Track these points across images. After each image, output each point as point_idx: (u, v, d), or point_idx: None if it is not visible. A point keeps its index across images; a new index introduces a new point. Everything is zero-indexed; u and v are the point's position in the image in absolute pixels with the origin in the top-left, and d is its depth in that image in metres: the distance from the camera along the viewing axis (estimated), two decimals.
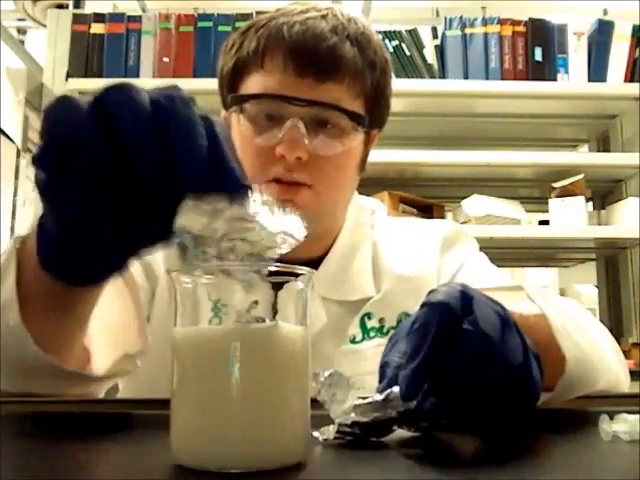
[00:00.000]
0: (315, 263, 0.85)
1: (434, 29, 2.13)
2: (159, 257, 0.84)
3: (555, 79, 2.09)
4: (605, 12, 2.37)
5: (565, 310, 0.63)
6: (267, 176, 0.77)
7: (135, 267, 0.81)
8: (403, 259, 0.89)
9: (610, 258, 2.36)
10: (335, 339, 0.83)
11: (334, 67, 0.76)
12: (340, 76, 0.77)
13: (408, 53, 2.10)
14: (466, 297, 0.47)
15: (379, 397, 0.47)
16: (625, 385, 0.72)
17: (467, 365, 0.45)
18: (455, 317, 0.46)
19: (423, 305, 0.47)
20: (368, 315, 0.86)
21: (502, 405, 0.47)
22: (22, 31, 3.13)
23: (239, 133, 0.80)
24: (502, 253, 2.30)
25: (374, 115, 0.82)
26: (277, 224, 0.40)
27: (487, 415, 0.47)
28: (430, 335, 0.45)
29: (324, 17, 0.77)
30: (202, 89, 2.02)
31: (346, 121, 0.78)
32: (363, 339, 0.85)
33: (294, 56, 0.76)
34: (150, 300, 0.84)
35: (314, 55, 0.76)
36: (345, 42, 0.77)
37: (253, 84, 0.79)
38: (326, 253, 0.87)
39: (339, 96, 0.77)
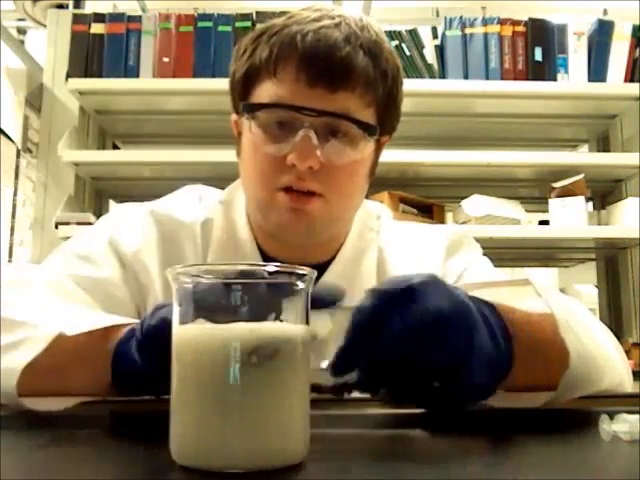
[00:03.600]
0: (321, 268, 0.85)
1: (434, 29, 2.13)
2: (152, 265, 0.84)
3: (555, 79, 2.09)
4: (605, 12, 2.37)
5: (570, 308, 0.63)
6: (278, 184, 0.78)
7: (121, 290, 0.82)
8: (408, 264, 0.89)
9: (610, 258, 2.36)
10: (339, 344, 0.83)
11: (347, 77, 0.76)
12: (352, 86, 0.76)
13: (408, 53, 2.10)
14: (413, 288, 0.50)
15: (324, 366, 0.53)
16: (628, 385, 0.72)
17: (384, 353, 0.50)
18: (391, 306, 0.50)
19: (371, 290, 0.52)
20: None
21: (425, 394, 0.52)
22: (22, 31, 3.13)
23: (250, 140, 0.80)
24: (502, 253, 2.30)
25: (385, 123, 0.82)
26: None
27: (415, 397, 0.52)
28: (361, 321, 0.50)
29: (337, 26, 0.76)
30: (202, 89, 2.03)
31: (357, 131, 0.78)
32: None
33: (307, 66, 0.75)
34: (141, 311, 0.84)
35: (327, 65, 0.75)
36: (358, 52, 0.76)
37: (265, 92, 0.78)
38: (333, 258, 0.88)
39: (351, 106, 0.77)
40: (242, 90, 0.82)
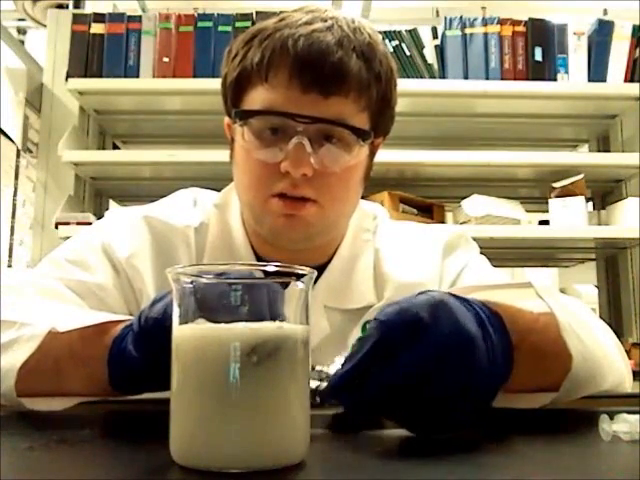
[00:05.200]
0: (317, 270, 0.84)
1: (434, 29, 2.13)
2: (145, 270, 0.83)
3: (555, 79, 2.09)
4: (605, 12, 2.37)
5: (571, 308, 0.63)
6: (272, 190, 0.77)
7: (114, 295, 0.81)
8: (405, 266, 0.89)
9: (610, 258, 2.36)
10: (337, 347, 0.83)
11: (339, 83, 0.75)
12: (345, 91, 0.75)
13: (408, 53, 2.10)
14: (418, 319, 0.48)
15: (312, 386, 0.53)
16: (628, 384, 0.71)
17: (384, 388, 0.47)
18: (394, 338, 0.48)
19: (376, 317, 0.50)
20: (369, 323, 0.85)
21: (415, 423, 0.50)
22: (22, 31, 3.14)
23: (243, 146, 0.79)
24: (502, 253, 2.30)
25: (379, 125, 0.81)
26: None
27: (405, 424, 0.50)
28: (363, 351, 0.48)
29: (329, 29, 0.75)
30: (202, 89, 2.03)
31: (352, 137, 0.77)
32: None
33: (299, 72, 0.74)
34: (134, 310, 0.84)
35: (319, 71, 0.74)
36: (351, 56, 0.75)
37: (257, 98, 0.78)
38: (329, 260, 0.87)
39: (344, 111, 0.76)
40: (234, 95, 0.81)
